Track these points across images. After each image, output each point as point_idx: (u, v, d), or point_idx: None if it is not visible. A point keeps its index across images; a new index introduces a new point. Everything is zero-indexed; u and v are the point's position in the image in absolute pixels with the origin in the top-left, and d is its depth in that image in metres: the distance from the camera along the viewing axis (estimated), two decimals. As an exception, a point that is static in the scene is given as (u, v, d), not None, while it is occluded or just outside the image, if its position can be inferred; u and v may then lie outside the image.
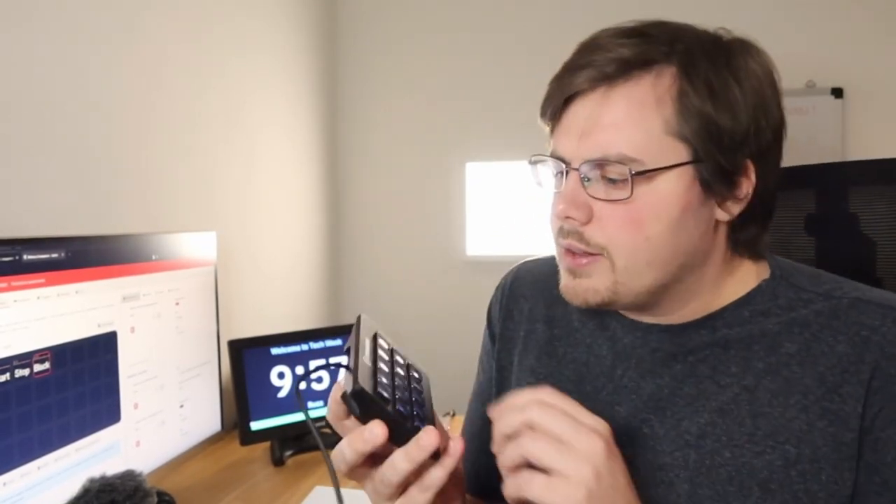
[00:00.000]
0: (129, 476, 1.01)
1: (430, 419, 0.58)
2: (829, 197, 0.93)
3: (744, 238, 0.68)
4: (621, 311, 0.74)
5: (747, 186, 0.65)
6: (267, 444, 1.66)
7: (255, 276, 1.97)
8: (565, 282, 0.68)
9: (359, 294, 2.52)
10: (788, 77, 2.62)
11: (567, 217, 0.64)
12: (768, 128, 0.64)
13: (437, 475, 0.55)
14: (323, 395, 1.67)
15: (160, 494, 1.12)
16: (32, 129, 1.23)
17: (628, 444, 0.66)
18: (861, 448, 0.60)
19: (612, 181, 0.62)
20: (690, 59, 0.62)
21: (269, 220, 2.05)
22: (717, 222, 0.66)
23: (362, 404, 0.51)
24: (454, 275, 2.39)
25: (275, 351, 1.65)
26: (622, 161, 0.61)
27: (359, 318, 0.60)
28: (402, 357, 0.63)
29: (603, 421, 0.57)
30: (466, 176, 2.39)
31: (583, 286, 0.65)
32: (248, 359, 1.60)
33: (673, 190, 0.62)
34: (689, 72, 0.61)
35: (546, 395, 0.57)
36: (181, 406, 1.41)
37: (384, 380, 0.55)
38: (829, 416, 0.61)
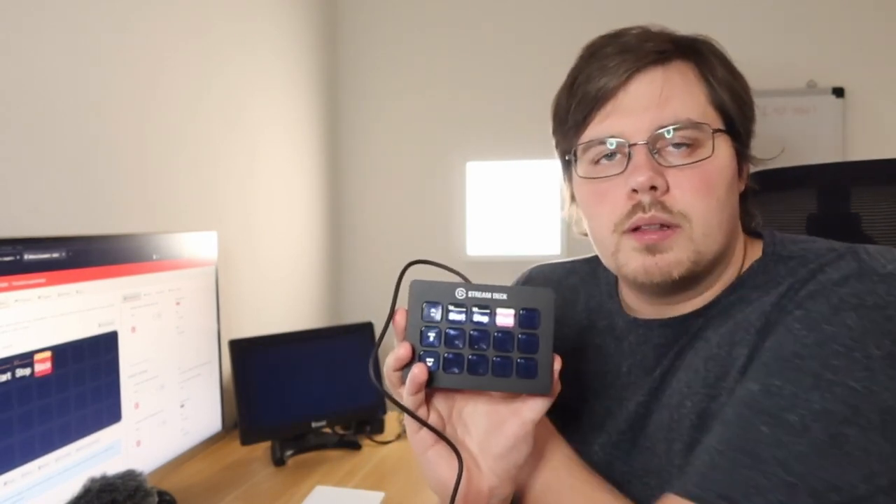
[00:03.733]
0: (129, 476, 1.00)
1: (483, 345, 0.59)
2: (830, 197, 0.93)
3: (742, 213, 0.73)
4: (626, 310, 0.76)
5: (746, 168, 0.72)
6: (267, 444, 1.66)
7: (255, 276, 1.97)
8: (641, 261, 0.66)
9: (359, 294, 2.52)
10: (789, 77, 2.63)
11: (652, 187, 0.63)
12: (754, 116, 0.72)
13: (406, 389, 0.59)
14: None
15: (161, 494, 1.12)
16: (33, 130, 1.23)
17: (628, 430, 0.70)
18: None
19: (684, 146, 0.65)
20: (707, 50, 0.70)
21: (269, 220, 2.05)
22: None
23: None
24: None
25: (275, 351, 1.65)
26: (701, 122, 0.65)
27: (412, 285, 0.60)
28: (462, 307, 0.60)
29: None
30: (467, 176, 2.39)
31: (665, 260, 0.65)
32: (248, 358, 1.60)
33: (727, 153, 0.67)
34: (710, 59, 0.69)
35: None
36: (182, 406, 1.41)
37: (427, 334, 0.59)
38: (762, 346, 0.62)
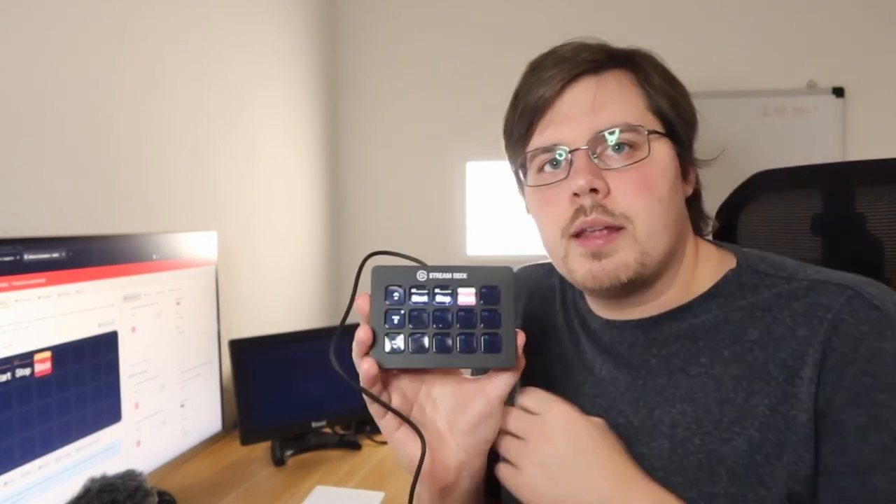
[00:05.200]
0: (129, 476, 1.00)
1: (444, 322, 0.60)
2: (835, 197, 0.93)
3: (693, 217, 0.74)
4: (596, 312, 0.77)
5: (692, 172, 0.73)
6: (267, 444, 1.66)
7: (255, 275, 1.97)
8: (588, 267, 0.67)
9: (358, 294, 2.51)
10: (789, 77, 2.63)
11: (592, 190, 0.65)
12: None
13: (362, 382, 0.61)
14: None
15: (161, 494, 1.12)
16: (33, 129, 1.23)
17: None
18: (819, 428, 0.61)
19: (624, 148, 0.67)
20: (643, 60, 0.72)
21: (269, 220, 2.05)
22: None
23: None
24: (454, 275, 2.39)
25: (275, 351, 1.65)
26: (637, 125, 0.67)
27: (374, 271, 0.61)
28: (424, 289, 0.61)
29: (556, 405, 0.64)
30: (467, 176, 2.38)
31: (612, 264, 0.66)
32: (248, 358, 1.60)
33: (667, 155, 0.69)
34: (646, 68, 0.71)
35: (523, 397, 0.65)
36: (182, 406, 1.40)
37: (390, 317, 0.61)
38: (790, 399, 0.62)
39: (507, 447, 0.64)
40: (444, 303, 0.60)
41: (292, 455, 1.62)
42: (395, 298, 0.60)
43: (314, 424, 1.65)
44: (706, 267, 0.72)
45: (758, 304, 0.67)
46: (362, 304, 0.61)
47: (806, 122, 2.13)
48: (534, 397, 0.64)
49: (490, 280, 0.60)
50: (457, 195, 2.40)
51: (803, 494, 0.61)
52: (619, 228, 0.65)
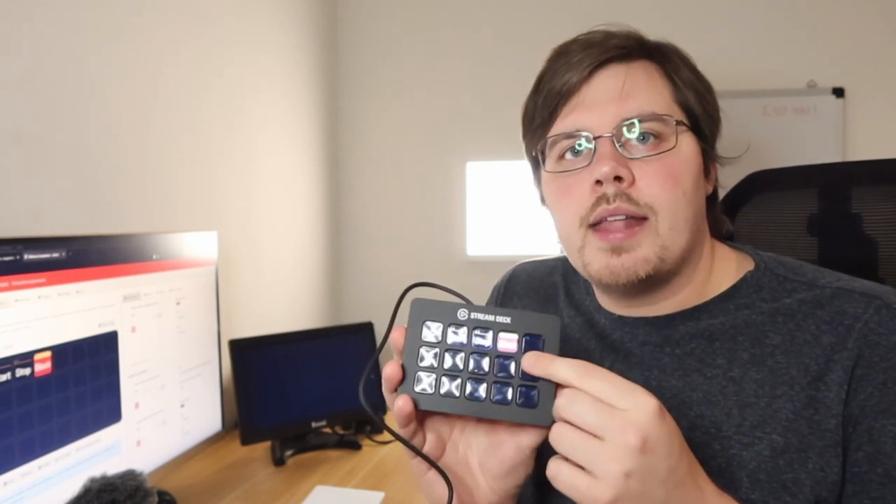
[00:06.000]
0: (129, 476, 1.00)
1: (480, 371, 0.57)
2: (831, 197, 0.93)
3: (710, 217, 0.73)
4: (606, 307, 0.75)
5: (714, 170, 0.72)
6: (268, 444, 1.66)
7: (255, 275, 1.97)
8: (606, 261, 0.65)
9: (359, 294, 2.52)
10: (789, 77, 2.63)
11: (616, 178, 0.63)
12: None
13: (396, 422, 0.58)
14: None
15: (161, 494, 1.12)
16: (33, 130, 1.23)
17: None
18: (848, 435, 0.61)
19: (650, 138, 0.65)
20: (671, 52, 0.70)
21: (269, 220, 2.05)
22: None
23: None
24: (455, 275, 2.39)
25: (275, 351, 1.65)
26: (665, 114, 0.66)
27: (413, 303, 0.58)
28: (463, 328, 0.58)
29: (645, 398, 0.51)
30: (467, 176, 2.39)
31: (631, 259, 0.64)
32: (248, 358, 1.61)
33: (692, 148, 0.68)
34: (674, 60, 0.70)
35: (583, 375, 0.52)
36: (182, 406, 1.41)
37: (424, 354, 0.58)
38: (814, 404, 0.62)
39: (575, 444, 0.51)
40: (482, 346, 0.56)
41: (292, 455, 1.62)
42: (432, 335, 0.57)
43: (314, 424, 1.65)
44: (723, 268, 0.71)
45: (780, 309, 0.66)
46: (397, 337, 0.58)
47: (806, 122, 2.13)
48: (609, 383, 0.51)
49: (535, 328, 0.56)
50: (457, 195, 2.40)
51: (830, 501, 0.61)
52: (641, 219, 0.64)
